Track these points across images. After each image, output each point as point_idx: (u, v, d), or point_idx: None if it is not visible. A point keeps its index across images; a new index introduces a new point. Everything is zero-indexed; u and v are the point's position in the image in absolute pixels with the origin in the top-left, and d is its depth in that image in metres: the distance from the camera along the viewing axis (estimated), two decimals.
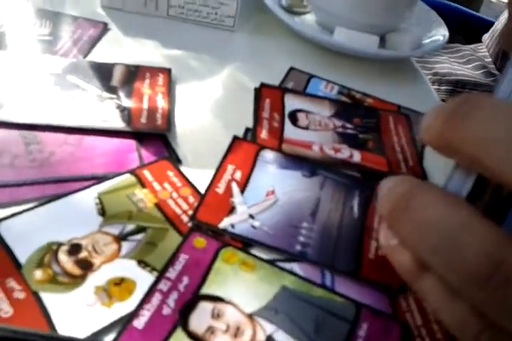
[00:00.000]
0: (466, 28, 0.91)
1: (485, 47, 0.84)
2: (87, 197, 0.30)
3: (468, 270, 0.14)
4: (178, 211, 0.30)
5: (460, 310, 0.15)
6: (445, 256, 0.14)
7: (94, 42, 0.43)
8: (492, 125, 0.14)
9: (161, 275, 0.27)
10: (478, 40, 0.88)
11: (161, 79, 0.39)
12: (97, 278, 0.26)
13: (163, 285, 0.26)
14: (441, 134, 0.15)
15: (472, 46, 0.87)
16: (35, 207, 0.29)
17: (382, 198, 0.17)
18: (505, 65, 0.16)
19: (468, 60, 0.82)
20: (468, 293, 0.14)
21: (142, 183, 0.31)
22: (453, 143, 0.15)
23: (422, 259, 0.15)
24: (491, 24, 0.85)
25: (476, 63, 0.81)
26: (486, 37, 0.85)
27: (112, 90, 0.37)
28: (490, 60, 0.82)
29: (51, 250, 0.27)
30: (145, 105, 0.36)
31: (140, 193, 0.31)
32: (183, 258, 0.28)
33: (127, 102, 0.36)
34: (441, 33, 0.52)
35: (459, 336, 0.16)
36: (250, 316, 0.26)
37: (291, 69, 0.46)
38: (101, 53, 0.42)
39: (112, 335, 0.24)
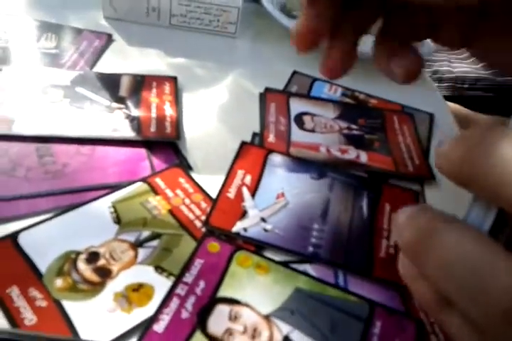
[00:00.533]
0: None
1: None
2: (102, 206, 0.30)
3: (496, 308, 0.14)
4: (192, 216, 0.31)
5: None
6: (471, 293, 0.14)
7: (100, 53, 0.44)
8: None
9: (178, 280, 0.27)
10: None
11: (167, 87, 0.40)
12: (116, 284, 0.27)
13: (181, 290, 0.27)
14: (459, 166, 0.15)
15: None
16: (52, 217, 0.29)
17: (400, 228, 0.17)
18: None
19: (469, 55, 0.82)
20: (495, 330, 0.14)
21: (155, 191, 0.32)
22: (473, 177, 0.15)
23: (445, 295, 0.15)
24: None
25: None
26: None
27: (120, 100, 0.38)
28: None
29: (70, 259, 0.28)
30: (153, 114, 0.37)
31: (153, 200, 0.31)
32: (198, 262, 0.28)
33: (136, 112, 0.37)
34: None
35: None
36: (267, 317, 0.26)
37: (295, 72, 0.46)
38: (107, 64, 0.43)
39: (133, 340, 0.25)
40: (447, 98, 0.49)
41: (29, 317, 0.25)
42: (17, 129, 0.34)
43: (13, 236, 0.28)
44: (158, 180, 0.33)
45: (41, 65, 0.41)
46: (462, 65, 0.81)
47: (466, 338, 0.16)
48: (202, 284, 0.27)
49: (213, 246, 0.29)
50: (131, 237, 0.29)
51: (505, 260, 0.14)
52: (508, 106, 0.72)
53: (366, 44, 0.47)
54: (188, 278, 0.27)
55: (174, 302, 0.26)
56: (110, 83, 0.39)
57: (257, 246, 0.30)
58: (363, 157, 0.38)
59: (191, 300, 0.26)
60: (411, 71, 0.25)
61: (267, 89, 0.43)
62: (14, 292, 0.26)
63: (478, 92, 0.75)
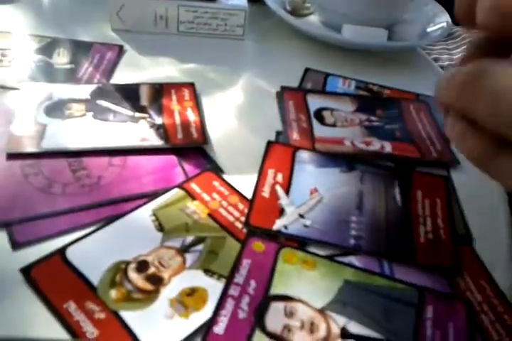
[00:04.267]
0: None
1: None
2: (143, 215, 0.31)
3: None
4: (231, 218, 0.31)
5: None
6: None
7: (114, 65, 0.44)
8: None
9: (229, 282, 0.28)
10: None
11: (186, 94, 0.40)
12: (170, 291, 0.27)
13: (234, 291, 0.27)
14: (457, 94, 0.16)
15: None
16: (96, 230, 0.30)
17: (447, 80, 0.16)
18: None
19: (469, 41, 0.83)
20: None
21: (192, 196, 0.32)
22: (472, 101, 0.15)
23: (500, 134, 0.15)
24: None
25: None
26: None
27: (142, 110, 0.38)
28: None
29: (120, 269, 0.28)
30: (177, 121, 0.37)
31: (192, 205, 0.32)
32: (246, 263, 0.29)
33: (159, 120, 0.37)
34: (443, 20, 0.53)
35: None
36: (321, 311, 0.27)
37: (307, 69, 0.47)
38: (122, 75, 0.43)
39: None
40: None
41: (90, 330, 0.25)
42: (47, 145, 0.34)
43: (61, 252, 0.28)
44: (194, 185, 0.33)
45: (58, 81, 0.41)
46: (459, 52, 0.81)
47: None
48: (253, 283, 0.28)
49: (258, 245, 0.30)
50: (176, 243, 0.30)
51: None
52: None
53: (376, 36, 0.48)
54: (239, 278, 0.28)
55: (229, 303, 0.27)
56: (130, 93, 0.40)
57: (300, 242, 0.31)
58: (387, 147, 0.38)
59: (245, 299, 0.27)
60: None
61: (284, 88, 0.43)
62: (71, 307, 0.26)
63: None
